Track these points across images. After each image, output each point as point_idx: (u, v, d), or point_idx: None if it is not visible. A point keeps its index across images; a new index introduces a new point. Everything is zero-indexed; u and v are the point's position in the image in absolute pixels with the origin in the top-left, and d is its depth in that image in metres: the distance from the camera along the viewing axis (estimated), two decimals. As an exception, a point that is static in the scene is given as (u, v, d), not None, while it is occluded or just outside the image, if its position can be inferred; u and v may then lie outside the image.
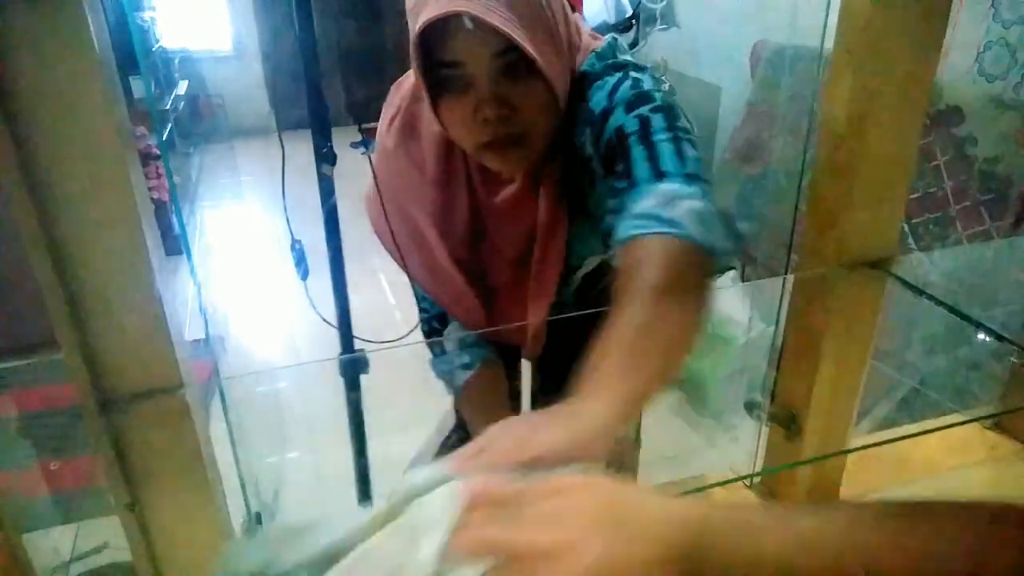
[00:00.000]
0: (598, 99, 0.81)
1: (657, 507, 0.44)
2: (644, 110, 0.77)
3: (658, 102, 0.78)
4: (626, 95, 0.79)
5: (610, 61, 0.84)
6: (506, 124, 0.76)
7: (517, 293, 0.97)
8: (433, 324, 1.05)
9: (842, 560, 0.38)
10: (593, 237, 0.90)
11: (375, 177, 0.99)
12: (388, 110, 0.96)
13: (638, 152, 0.75)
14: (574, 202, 0.90)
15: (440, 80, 0.76)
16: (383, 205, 0.97)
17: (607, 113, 0.79)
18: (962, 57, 1.78)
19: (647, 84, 0.80)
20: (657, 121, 0.76)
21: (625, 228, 0.71)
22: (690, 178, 0.73)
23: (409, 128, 0.92)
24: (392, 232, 0.97)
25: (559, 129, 0.83)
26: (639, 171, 0.74)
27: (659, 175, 0.73)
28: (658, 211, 0.69)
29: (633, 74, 0.82)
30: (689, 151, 0.75)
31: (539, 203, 0.88)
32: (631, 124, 0.77)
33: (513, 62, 0.74)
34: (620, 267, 0.69)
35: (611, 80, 0.82)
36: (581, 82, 0.84)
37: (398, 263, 1.00)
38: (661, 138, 0.75)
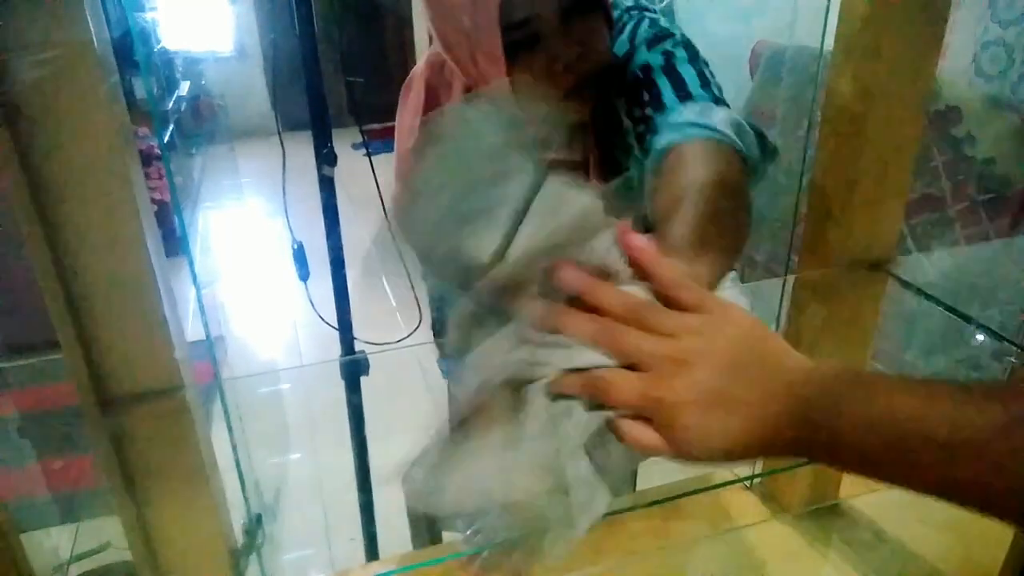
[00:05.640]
0: (619, 44, 0.83)
1: (793, 354, 0.44)
2: (667, 45, 0.79)
3: (679, 38, 0.81)
4: (646, 34, 0.81)
5: (627, 5, 0.86)
6: (582, 64, 0.76)
7: None
8: None
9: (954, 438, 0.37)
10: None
11: (398, 182, 0.98)
12: (404, 113, 0.95)
13: (663, 82, 0.77)
14: (601, 148, 0.90)
15: (513, 46, 0.75)
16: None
17: (629, 56, 0.81)
18: (960, 57, 1.78)
19: (663, 22, 0.82)
20: (680, 53, 0.79)
21: (662, 140, 0.71)
22: (718, 101, 0.74)
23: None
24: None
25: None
26: (667, 98, 0.75)
27: (688, 98, 0.74)
28: (694, 119, 0.70)
29: (649, 15, 0.84)
30: (713, 79, 0.77)
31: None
32: (655, 59, 0.79)
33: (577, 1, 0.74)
34: (661, 176, 0.69)
35: (628, 23, 0.84)
36: None
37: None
38: (686, 68, 0.77)
